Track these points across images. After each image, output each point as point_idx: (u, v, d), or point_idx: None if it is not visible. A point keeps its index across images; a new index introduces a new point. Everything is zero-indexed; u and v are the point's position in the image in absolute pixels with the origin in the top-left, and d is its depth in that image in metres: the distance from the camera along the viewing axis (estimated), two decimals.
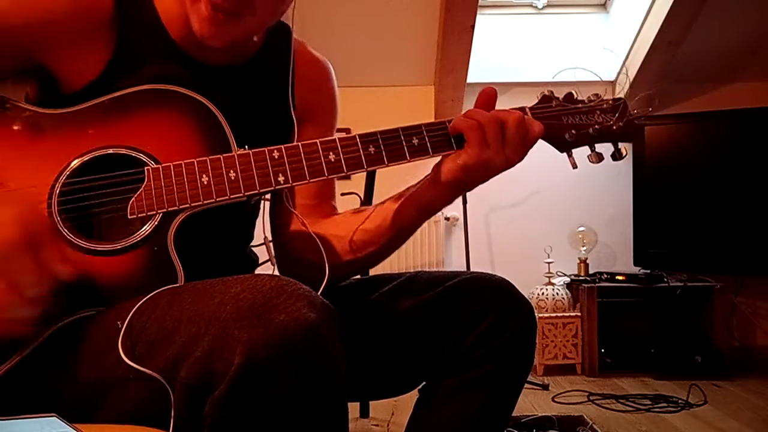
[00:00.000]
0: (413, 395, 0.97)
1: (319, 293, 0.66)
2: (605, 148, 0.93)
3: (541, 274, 3.05)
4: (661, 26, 2.80)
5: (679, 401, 2.44)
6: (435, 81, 3.15)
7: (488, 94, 0.89)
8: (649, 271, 2.96)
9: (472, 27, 2.75)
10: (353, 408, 2.27)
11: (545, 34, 3.23)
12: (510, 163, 0.84)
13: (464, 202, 2.93)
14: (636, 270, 3.02)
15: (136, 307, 0.71)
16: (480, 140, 0.82)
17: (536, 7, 3.26)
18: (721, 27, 2.90)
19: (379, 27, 2.95)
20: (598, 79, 0.97)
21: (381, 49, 3.04)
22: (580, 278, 3.01)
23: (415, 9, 2.84)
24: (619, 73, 3.06)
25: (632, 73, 3.01)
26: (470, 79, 3.04)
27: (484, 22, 3.11)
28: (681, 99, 3.17)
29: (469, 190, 0.89)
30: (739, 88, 3.21)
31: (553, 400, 2.51)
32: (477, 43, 2.87)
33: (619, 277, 2.95)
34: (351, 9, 2.86)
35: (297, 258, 0.98)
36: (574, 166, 0.93)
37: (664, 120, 3.01)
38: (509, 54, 3.21)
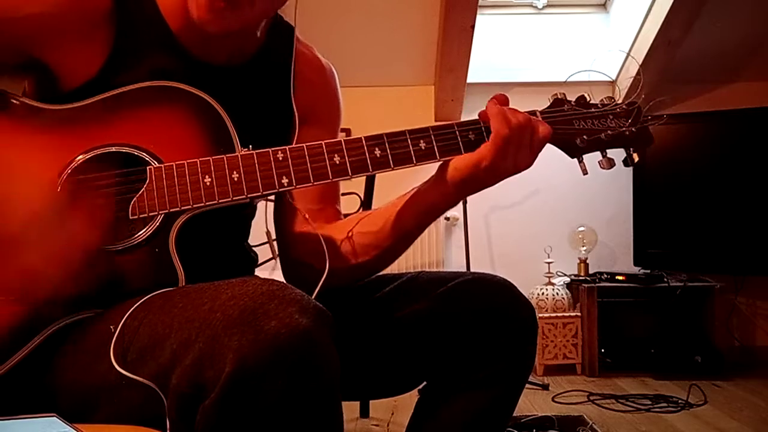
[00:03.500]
0: (413, 395, 0.97)
1: (314, 296, 0.65)
2: (616, 153, 0.90)
3: (541, 274, 3.04)
4: (661, 26, 2.80)
5: (679, 401, 2.44)
6: (435, 81, 3.15)
7: (501, 103, 0.85)
8: (649, 271, 2.96)
9: (472, 27, 2.75)
10: (353, 408, 2.27)
11: (545, 34, 3.23)
12: (517, 168, 0.83)
13: (464, 202, 2.93)
14: (636, 270, 3.02)
15: (129, 312, 0.70)
16: (503, 150, 0.80)
17: (536, 7, 3.26)
18: (721, 27, 2.90)
19: (379, 27, 2.95)
20: (605, 80, 0.96)
21: (381, 49, 3.04)
22: (580, 278, 3.01)
23: (415, 9, 2.84)
24: (620, 72, 3.05)
25: (632, 73, 3.01)
26: (470, 79, 3.04)
27: (484, 22, 3.10)
28: (681, 99, 3.17)
29: (470, 194, 0.87)
30: (739, 88, 3.21)
31: (553, 400, 2.50)
32: (477, 43, 2.87)
33: (619, 277, 2.95)
34: (351, 9, 2.85)
35: (300, 261, 0.97)
36: (585, 173, 0.90)
37: (664, 120, 3.00)
38: (509, 54, 3.20)
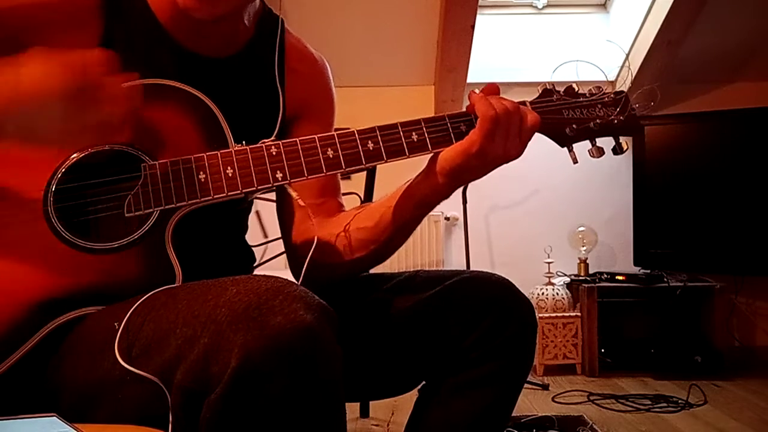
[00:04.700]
0: (413, 395, 0.97)
1: (300, 281, 0.65)
2: (606, 142, 0.92)
3: (541, 274, 3.04)
4: (661, 26, 2.80)
5: (679, 401, 2.44)
6: (435, 81, 3.15)
7: (491, 92, 0.87)
8: (649, 271, 2.95)
9: (472, 27, 2.75)
10: (353, 408, 2.27)
11: (545, 34, 3.23)
12: (507, 156, 0.83)
13: (464, 202, 2.92)
14: (636, 270, 3.02)
15: (133, 308, 0.70)
16: (491, 132, 0.81)
17: (536, 7, 3.26)
18: (721, 27, 2.90)
19: (379, 27, 2.95)
20: (602, 77, 0.96)
21: (381, 49, 3.04)
22: (580, 278, 3.01)
23: (415, 9, 2.84)
24: (620, 71, 3.05)
25: (633, 72, 3.01)
26: (470, 79, 3.03)
27: (484, 22, 3.10)
28: (681, 99, 3.17)
29: (461, 185, 0.87)
30: (739, 88, 3.21)
31: (553, 400, 2.51)
32: (477, 43, 2.87)
33: (619, 277, 2.95)
34: (351, 9, 2.85)
35: (303, 258, 0.97)
36: (575, 161, 0.91)
37: (664, 120, 3.01)
38: (509, 54, 3.20)
